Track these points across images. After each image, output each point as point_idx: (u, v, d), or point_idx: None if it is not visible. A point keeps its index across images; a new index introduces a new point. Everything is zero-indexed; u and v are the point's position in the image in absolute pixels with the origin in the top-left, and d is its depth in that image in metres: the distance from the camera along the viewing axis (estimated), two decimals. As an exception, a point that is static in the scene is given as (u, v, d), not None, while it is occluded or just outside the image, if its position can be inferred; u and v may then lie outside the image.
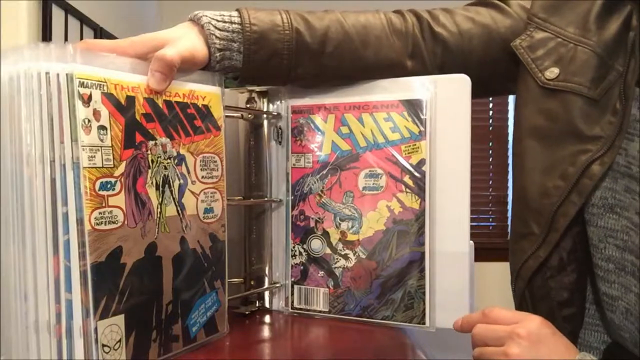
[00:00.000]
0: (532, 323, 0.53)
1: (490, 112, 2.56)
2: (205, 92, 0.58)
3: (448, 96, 0.65)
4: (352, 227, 0.68)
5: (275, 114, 0.72)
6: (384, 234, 0.66)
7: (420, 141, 0.65)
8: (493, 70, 0.68)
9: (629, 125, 0.55)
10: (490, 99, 2.47)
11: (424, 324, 0.65)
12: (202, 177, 0.57)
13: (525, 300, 0.64)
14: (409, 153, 0.65)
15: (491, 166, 2.56)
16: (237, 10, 0.62)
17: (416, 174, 0.65)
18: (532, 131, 0.63)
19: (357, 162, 0.68)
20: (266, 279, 0.72)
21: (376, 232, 0.67)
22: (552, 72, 0.61)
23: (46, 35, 1.49)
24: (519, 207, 0.64)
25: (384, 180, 0.66)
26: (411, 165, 0.65)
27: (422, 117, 0.65)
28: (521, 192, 0.63)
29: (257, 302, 0.72)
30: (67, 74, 0.44)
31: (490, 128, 2.58)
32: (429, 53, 0.68)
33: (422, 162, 0.65)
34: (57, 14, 1.57)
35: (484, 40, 0.67)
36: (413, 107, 0.66)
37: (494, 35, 0.67)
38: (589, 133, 0.58)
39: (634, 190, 0.54)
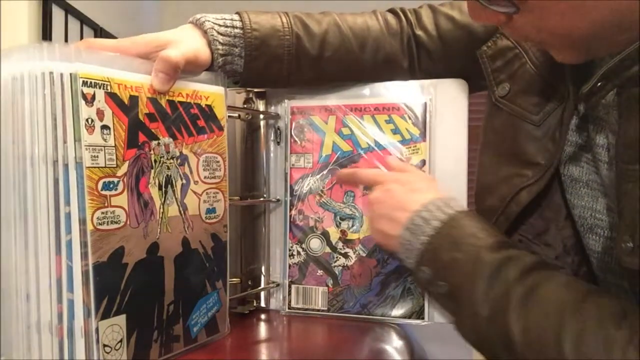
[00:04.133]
0: (379, 187, 0.59)
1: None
2: (208, 92, 0.58)
3: (446, 99, 0.67)
4: (353, 226, 0.68)
5: (274, 114, 0.72)
6: None
7: (421, 143, 0.66)
8: (475, 70, 0.66)
9: (596, 151, 0.52)
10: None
11: (422, 319, 0.66)
12: (205, 177, 0.57)
13: None
14: (409, 154, 0.67)
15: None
16: (238, 14, 0.62)
17: None
18: (487, 147, 0.63)
19: (358, 163, 0.68)
20: (263, 279, 0.73)
21: None
22: (504, 89, 0.60)
23: (46, 35, 1.49)
24: None
25: None
26: (414, 166, 0.66)
27: (422, 119, 0.67)
28: (475, 207, 0.64)
29: (254, 301, 0.73)
30: (70, 74, 0.44)
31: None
32: (416, 54, 0.69)
33: (422, 163, 0.66)
34: (57, 14, 1.57)
35: (463, 44, 0.66)
36: (413, 109, 0.67)
37: (474, 36, 0.66)
38: (529, 157, 0.57)
39: (613, 210, 0.51)
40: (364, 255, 0.68)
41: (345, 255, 0.69)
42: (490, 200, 0.60)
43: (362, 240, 0.68)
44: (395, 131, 0.67)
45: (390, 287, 0.67)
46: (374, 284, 0.67)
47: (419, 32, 0.68)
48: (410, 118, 0.67)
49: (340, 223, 0.69)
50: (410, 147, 0.67)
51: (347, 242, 0.69)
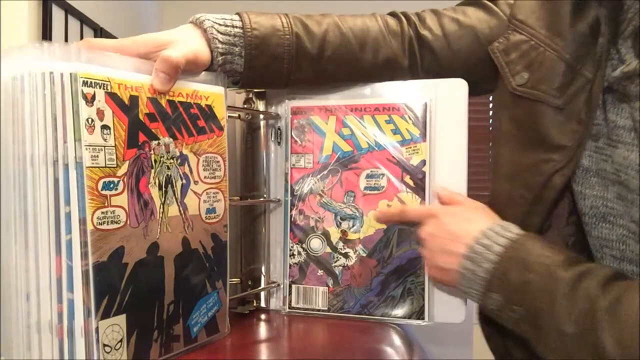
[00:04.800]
0: (431, 222, 0.61)
1: (490, 112, 2.56)
2: (208, 92, 0.58)
3: (446, 99, 0.67)
4: (353, 226, 0.68)
5: (274, 114, 0.72)
6: (384, 233, 0.67)
7: (421, 143, 0.66)
8: (479, 71, 0.68)
9: (610, 132, 0.53)
10: (491, 98, 2.47)
11: (422, 319, 0.66)
12: (205, 177, 0.57)
13: None
14: (409, 154, 0.67)
15: (491, 167, 2.56)
16: (238, 14, 0.62)
17: (417, 174, 0.66)
18: (504, 137, 0.64)
19: (359, 163, 0.68)
20: (263, 279, 0.73)
21: (377, 231, 0.68)
22: (522, 78, 0.61)
23: (46, 35, 1.50)
24: (495, 210, 0.63)
25: (385, 181, 0.67)
26: (412, 166, 0.67)
27: (422, 119, 0.67)
28: (492, 199, 0.64)
29: (254, 302, 0.73)
30: (70, 74, 0.44)
31: (490, 128, 2.59)
32: (419, 54, 0.69)
33: (422, 163, 0.66)
34: (57, 14, 1.57)
35: (468, 42, 0.68)
36: (414, 109, 0.67)
37: (479, 37, 0.67)
38: (554, 142, 0.57)
39: (625, 197, 0.52)
40: (365, 255, 0.68)
41: (346, 256, 0.69)
42: (517, 190, 0.60)
43: (362, 241, 0.68)
44: (396, 131, 0.67)
45: (390, 288, 0.67)
46: (374, 284, 0.68)
47: (424, 32, 0.68)
48: (410, 118, 0.67)
49: (340, 223, 0.69)
50: (410, 147, 0.67)
51: (348, 242, 0.69)
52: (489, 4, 0.69)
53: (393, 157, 0.67)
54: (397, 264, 0.67)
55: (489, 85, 0.71)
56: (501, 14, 0.68)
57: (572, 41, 0.58)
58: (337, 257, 0.69)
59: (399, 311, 0.67)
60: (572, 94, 0.57)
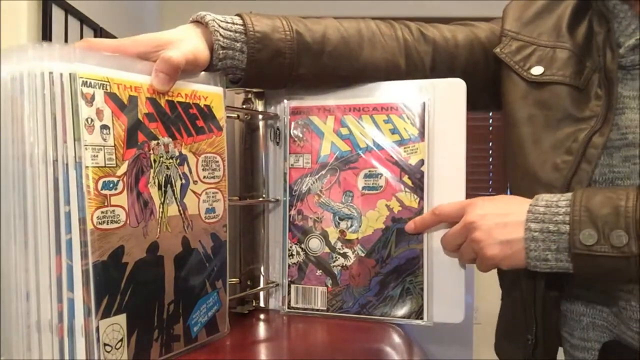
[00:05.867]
0: (473, 206, 0.61)
1: (490, 113, 2.57)
2: (207, 92, 0.58)
3: (445, 99, 0.67)
4: (352, 226, 0.69)
5: (273, 114, 0.72)
6: (383, 232, 0.67)
7: (419, 142, 0.66)
8: (475, 77, 0.71)
9: (615, 102, 0.62)
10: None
11: (421, 319, 0.66)
12: (204, 177, 0.58)
13: None
14: (408, 154, 0.67)
15: (491, 166, 2.57)
16: (238, 15, 0.63)
17: (415, 174, 0.66)
18: (528, 120, 0.67)
19: (357, 163, 0.68)
20: (262, 279, 0.73)
21: (375, 231, 0.68)
22: (537, 70, 0.67)
23: (46, 35, 1.50)
24: (528, 184, 0.66)
25: (383, 180, 0.67)
26: (410, 165, 0.67)
27: (420, 119, 0.67)
28: (529, 170, 0.66)
29: (254, 301, 0.73)
30: (70, 74, 0.44)
31: (490, 128, 2.59)
32: (420, 54, 0.71)
33: (421, 163, 0.66)
34: (57, 14, 1.57)
35: (467, 46, 0.73)
36: (412, 109, 0.67)
37: (475, 43, 0.73)
38: (581, 115, 0.64)
39: (633, 156, 0.60)
40: (363, 255, 0.68)
41: (344, 256, 0.69)
42: (560, 157, 0.64)
43: (360, 241, 0.68)
44: (394, 131, 0.67)
45: (389, 287, 0.67)
46: (372, 284, 0.68)
47: (428, 32, 0.72)
48: (408, 118, 0.67)
49: (339, 223, 0.69)
50: (408, 147, 0.67)
51: (346, 242, 0.69)
52: (476, 23, 0.76)
53: (391, 156, 0.67)
54: (396, 263, 0.67)
55: (479, 97, 0.73)
56: (489, 31, 0.75)
57: (575, 40, 0.67)
58: (335, 257, 0.69)
59: (398, 311, 0.67)
60: (587, 77, 0.65)
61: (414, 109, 0.67)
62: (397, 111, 0.67)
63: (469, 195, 0.66)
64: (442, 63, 0.72)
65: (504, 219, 0.59)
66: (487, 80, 0.74)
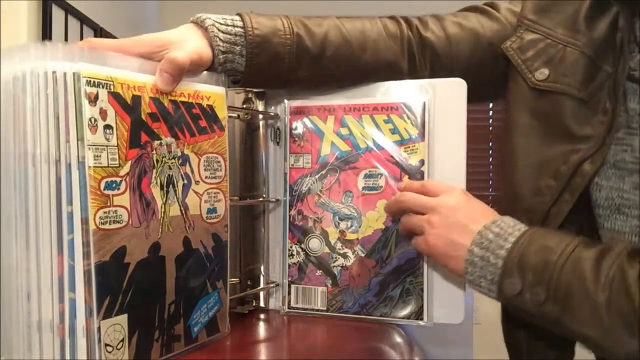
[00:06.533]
0: (452, 195, 0.60)
1: (490, 112, 2.57)
2: (210, 92, 0.58)
3: (445, 99, 0.67)
4: (352, 226, 0.68)
5: (273, 114, 0.72)
6: (383, 233, 0.67)
7: (419, 143, 0.66)
8: (480, 74, 0.69)
9: (630, 120, 0.55)
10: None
11: (421, 319, 0.66)
12: (206, 177, 0.58)
13: None
14: (408, 154, 0.67)
15: (491, 166, 2.57)
16: (239, 14, 0.62)
17: (415, 174, 0.66)
18: (524, 130, 0.63)
19: (357, 163, 0.68)
20: (262, 279, 0.73)
21: (375, 231, 0.68)
22: (542, 74, 0.62)
23: (46, 35, 1.50)
24: (509, 205, 0.64)
25: (383, 181, 0.67)
26: (410, 166, 0.67)
27: (420, 119, 0.67)
28: (512, 190, 0.64)
29: (254, 301, 0.73)
30: (74, 73, 0.44)
31: (490, 128, 2.59)
32: (420, 56, 0.70)
33: (421, 163, 0.66)
34: (57, 14, 1.57)
35: (470, 44, 0.69)
36: (412, 109, 0.67)
37: (481, 39, 0.69)
38: (579, 133, 0.58)
39: None
40: (363, 255, 0.68)
41: (344, 256, 0.69)
42: (544, 181, 0.60)
43: (360, 241, 0.68)
44: (394, 131, 0.67)
45: (389, 288, 0.67)
46: (372, 285, 0.67)
47: (427, 34, 0.69)
48: (409, 118, 0.67)
49: (339, 223, 0.69)
50: (408, 147, 0.67)
51: (346, 243, 0.69)
52: (491, 10, 0.71)
53: (391, 156, 0.67)
54: (396, 264, 0.67)
55: (489, 89, 0.72)
56: (503, 20, 0.69)
57: (592, 38, 0.59)
58: (335, 258, 0.69)
59: (398, 312, 0.67)
60: (596, 87, 0.58)
61: (415, 109, 0.67)
62: (398, 111, 0.67)
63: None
64: (440, 66, 0.70)
65: (468, 224, 0.58)
66: (496, 75, 0.69)
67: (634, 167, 0.54)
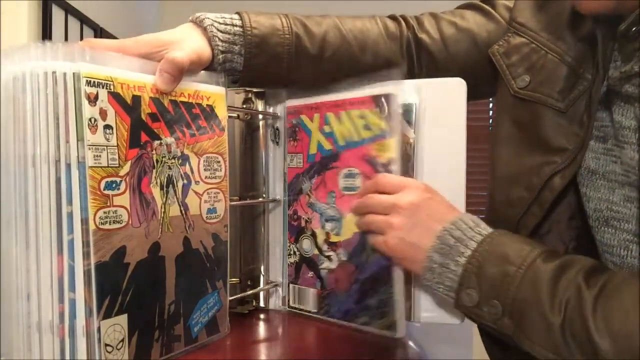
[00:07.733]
0: (413, 192, 0.58)
1: (490, 113, 2.57)
2: (209, 92, 0.58)
3: (445, 99, 0.64)
4: (335, 228, 0.66)
5: (273, 114, 0.72)
6: (360, 236, 0.63)
7: (388, 139, 0.61)
8: (476, 74, 0.68)
9: (617, 132, 0.53)
10: (490, 99, 2.48)
11: (394, 331, 0.61)
12: (206, 177, 0.58)
13: None
14: (379, 151, 0.62)
15: (491, 167, 2.57)
16: (238, 13, 0.62)
17: (386, 172, 0.61)
18: (504, 139, 0.63)
19: (338, 162, 0.65)
20: (262, 279, 0.73)
21: (354, 234, 0.64)
22: (523, 81, 0.61)
23: (46, 35, 1.50)
24: (489, 214, 0.64)
25: (359, 181, 0.64)
26: (382, 164, 0.62)
27: (388, 112, 0.61)
28: (490, 200, 0.63)
29: (254, 301, 0.73)
30: (74, 73, 0.44)
31: (490, 128, 2.59)
32: (417, 57, 0.70)
33: (391, 162, 0.61)
34: (57, 14, 1.57)
35: (466, 46, 0.68)
36: (381, 101, 0.62)
37: (477, 40, 0.68)
38: (555, 144, 0.57)
39: (634, 198, 0.51)
40: (345, 259, 0.65)
41: (330, 259, 0.66)
42: (517, 192, 0.59)
43: (342, 244, 0.65)
44: (367, 127, 0.63)
45: (367, 296, 0.63)
46: (352, 291, 0.64)
47: (422, 36, 0.69)
48: (382, 112, 0.62)
49: (325, 224, 0.67)
50: (379, 144, 0.62)
51: (331, 245, 0.66)
52: (487, 7, 0.70)
53: (366, 154, 0.63)
54: (372, 270, 0.62)
55: (486, 88, 0.71)
56: (499, 18, 0.69)
57: (574, 44, 0.58)
58: (322, 260, 0.67)
59: (376, 322, 0.62)
60: (574, 97, 0.57)
61: (383, 101, 0.61)
62: (368, 104, 0.63)
63: (468, 195, 0.65)
64: (436, 67, 0.69)
65: (429, 224, 0.56)
66: (492, 75, 0.67)
67: (624, 179, 0.52)
